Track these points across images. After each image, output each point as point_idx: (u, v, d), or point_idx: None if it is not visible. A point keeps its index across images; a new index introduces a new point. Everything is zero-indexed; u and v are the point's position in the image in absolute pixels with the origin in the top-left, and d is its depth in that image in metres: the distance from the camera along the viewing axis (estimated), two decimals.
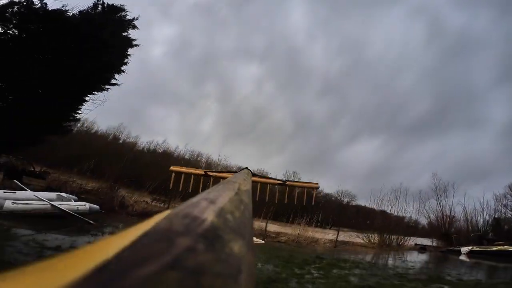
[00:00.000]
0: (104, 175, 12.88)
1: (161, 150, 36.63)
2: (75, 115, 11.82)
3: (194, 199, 0.25)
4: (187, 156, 37.89)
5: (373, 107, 65.40)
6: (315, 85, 66.26)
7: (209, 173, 2.52)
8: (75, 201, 6.67)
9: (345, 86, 65.65)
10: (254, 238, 10.28)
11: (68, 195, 7.12)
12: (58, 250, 3.61)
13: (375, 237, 15.65)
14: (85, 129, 33.10)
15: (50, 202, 5.49)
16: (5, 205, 4.84)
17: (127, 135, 35.85)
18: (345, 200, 46.66)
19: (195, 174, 2.72)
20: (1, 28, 8.09)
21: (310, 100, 65.06)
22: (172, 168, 2.71)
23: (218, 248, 0.16)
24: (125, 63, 11.58)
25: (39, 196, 5.57)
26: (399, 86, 64.59)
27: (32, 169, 10.07)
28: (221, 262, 0.15)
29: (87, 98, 11.61)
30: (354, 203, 46.09)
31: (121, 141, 33.82)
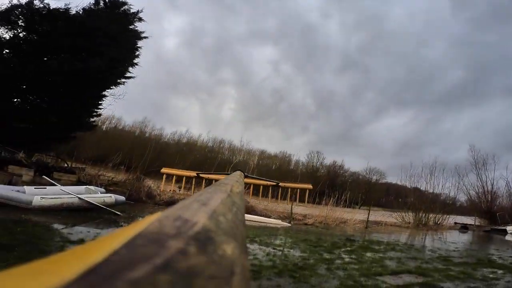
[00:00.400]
0: (132, 167, 13.29)
1: (184, 139, 37.62)
2: (97, 110, 12.19)
3: (186, 201, 0.25)
4: (210, 144, 38.63)
5: (399, 80, 61.05)
6: (334, 62, 62.98)
7: (201, 175, 2.72)
8: (102, 193, 6.83)
9: (367, 61, 61.70)
10: (280, 221, 10.10)
11: (95, 187, 7.32)
12: (82, 243, 3.60)
13: (409, 216, 14.85)
14: (114, 125, 34.79)
15: (77, 195, 5.63)
16: (34, 201, 5.01)
17: (152, 128, 37.13)
18: (374, 178, 45.12)
19: (187, 176, 2.76)
20: (9, 31, 8.31)
21: (330, 77, 62.24)
22: (163, 170, 2.65)
23: (210, 250, 0.16)
24: (137, 56, 11.66)
25: (66, 190, 5.73)
26: (427, 57, 59.33)
27: (66, 165, 10.58)
28: (214, 265, 0.15)
29: (106, 93, 11.94)
30: (383, 180, 44.44)
31: (147, 134, 35.18)
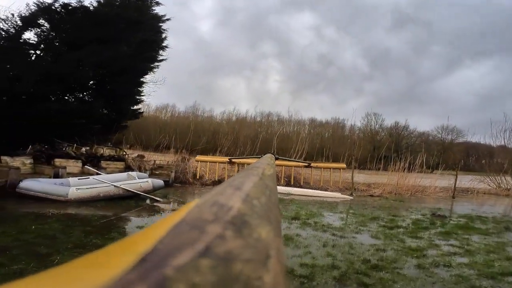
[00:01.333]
0: (179, 149, 13.32)
1: (234, 118, 38.03)
2: (139, 98, 12.32)
3: (220, 187, 0.26)
4: (258, 118, 38.15)
5: (471, 30, 49.09)
6: (385, 20, 53.76)
7: (233, 160, 3.23)
8: (144, 178, 6.53)
9: (426, 14, 50.93)
10: (339, 194, 8.76)
11: (138, 173, 7.10)
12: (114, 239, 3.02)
13: (507, 182, 11.74)
14: (169, 113, 37.18)
15: (113, 183, 5.33)
16: (69, 192, 4.81)
17: (203, 110, 38.59)
18: (448, 137, 38.91)
19: (220, 162, 3.33)
20: (36, 33, 8.57)
21: (383, 35, 53.80)
22: (197, 158, 3.16)
23: (246, 234, 0.17)
24: (164, 38, 11.35)
25: (100, 179, 5.48)
26: (503, 4, 45.75)
27: (124, 153, 10.98)
28: (250, 248, 0.15)
29: (144, 80, 12.01)
30: (460, 140, 38.00)
31: (200, 118, 36.62)
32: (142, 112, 13.61)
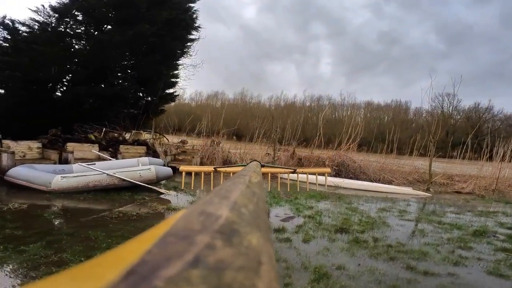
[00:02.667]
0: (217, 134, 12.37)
1: (281, 102, 36.46)
2: (174, 80, 11.67)
3: (206, 197, 0.26)
4: (308, 103, 35.62)
5: None
6: None
7: (218, 169, 2.70)
8: (159, 165, 5.51)
9: None
10: (410, 189, 6.43)
11: (151, 158, 6.15)
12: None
13: None
14: (220, 101, 37.73)
15: (105, 171, 4.34)
16: (53, 181, 3.96)
17: (251, 96, 38.13)
18: None
19: (205, 172, 2.86)
20: (70, 25, 8.38)
21: (462, 9, 44.03)
22: (181, 168, 2.79)
23: (236, 242, 0.17)
24: (195, 18, 10.56)
25: (92, 167, 4.55)
26: None
27: (166, 139, 10.46)
28: (241, 256, 0.15)
29: (179, 62, 11.35)
30: None
31: (248, 105, 36.14)
32: (178, 95, 13.00)
